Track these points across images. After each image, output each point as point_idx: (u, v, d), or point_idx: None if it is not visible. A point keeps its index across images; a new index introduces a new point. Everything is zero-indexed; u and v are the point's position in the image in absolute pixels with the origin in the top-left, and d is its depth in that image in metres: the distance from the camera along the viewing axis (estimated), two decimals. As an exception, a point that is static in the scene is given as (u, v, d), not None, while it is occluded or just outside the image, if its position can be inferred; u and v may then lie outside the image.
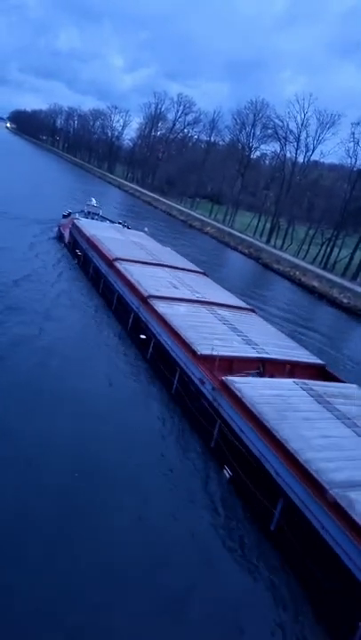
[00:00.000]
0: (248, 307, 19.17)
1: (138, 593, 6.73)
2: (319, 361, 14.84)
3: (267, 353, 13.68)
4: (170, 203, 77.25)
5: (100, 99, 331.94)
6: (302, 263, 56.28)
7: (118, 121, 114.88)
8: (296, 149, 65.01)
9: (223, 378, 10.87)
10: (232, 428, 9.94)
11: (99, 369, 13.04)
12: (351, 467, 8.34)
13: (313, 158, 65.98)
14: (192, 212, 73.12)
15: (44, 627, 5.83)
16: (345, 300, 41.03)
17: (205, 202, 79.05)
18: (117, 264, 18.90)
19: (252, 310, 18.85)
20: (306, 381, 12.16)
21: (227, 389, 10.41)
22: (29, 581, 6.34)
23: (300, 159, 65.84)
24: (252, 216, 71.48)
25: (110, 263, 19.29)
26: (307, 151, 65.14)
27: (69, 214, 30.06)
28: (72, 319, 16.59)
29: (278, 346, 14.83)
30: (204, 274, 23.64)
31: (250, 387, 10.61)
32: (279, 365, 13.36)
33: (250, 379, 11.66)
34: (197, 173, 75.43)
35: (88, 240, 22.56)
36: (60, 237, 28.16)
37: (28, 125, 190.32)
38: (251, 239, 64.63)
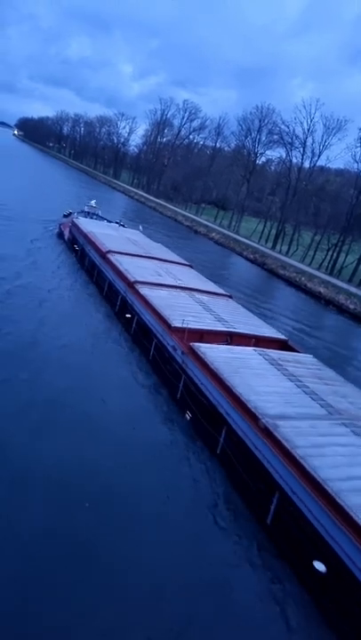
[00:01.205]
0: (226, 293, 20.96)
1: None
2: (282, 336, 16.58)
3: (234, 328, 15.26)
4: (175, 208, 77.90)
5: (109, 106, 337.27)
6: (308, 269, 56.09)
7: (124, 127, 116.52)
8: (302, 155, 65.40)
9: (191, 344, 12.40)
10: (194, 382, 11.86)
11: (87, 339, 15.02)
12: (284, 405, 10.20)
13: (319, 163, 66.32)
14: (197, 218, 73.65)
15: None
16: (352, 307, 40.94)
17: (211, 208, 79.60)
18: (109, 256, 20.56)
19: (229, 296, 20.57)
20: (265, 350, 13.59)
21: (193, 353, 12.01)
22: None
23: (306, 164, 66.24)
24: (258, 222, 71.83)
25: (103, 255, 20.95)
26: (313, 156, 65.49)
27: (70, 214, 31.66)
28: (68, 299, 18.82)
29: (247, 323, 16.54)
30: (190, 266, 25.41)
31: (213, 350, 12.22)
32: (245, 338, 14.88)
33: (214, 345, 13.06)
34: (203, 179, 76.09)
35: (85, 236, 24.31)
36: (60, 234, 30.03)
37: (35, 132, 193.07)
38: (256, 245, 64.75)
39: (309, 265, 58.66)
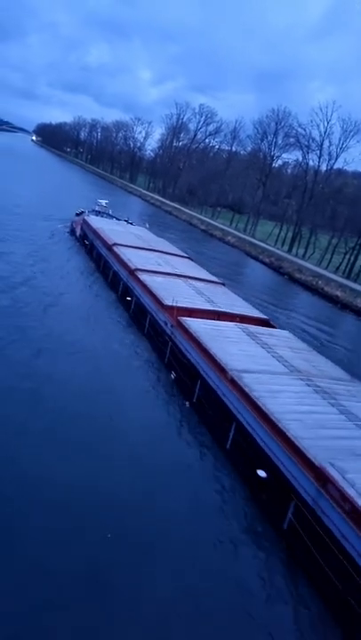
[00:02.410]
0: (219, 281, 24.13)
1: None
2: (264, 316, 19.57)
3: (221, 308, 18.18)
4: (191, 212, 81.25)
5: (127, 112, 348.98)
6: (325, 272, 57.47)
7: (140, 132, 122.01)
8: (319, 157, 67.68)
9: (179, 318, 15.22)
10: (179, 349, 14.86)
11: (92, 317, 18.64)
12: (251, 364, 13.11)
13: (336, 166, 68.37)
14: (213, 222, 76.67)
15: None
16: (369, 310, 42.14)
17: (226, 211, 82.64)
18: (115, 248, 23.98)
19: (223, 284, 23.66)
20: (245, 325, 16.33)
21: (181, 325, 14.91)
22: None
23: (323, 167, 68.45)
24: (274, 225, 74.12)
25: (109, 247, 24.40)
26: (330, 159, 67.66)
27: (81, 213, 35.78)
28: (78, 284, 22.73)
29: (234, 305, 19.56)
30: (190, 258, 28.96)
31: (197, 323, 15.07)
32: (230, 317, 17.67)
33: (200, 319, 15.88)
34: (218, 183, 79.35)
35: (94, 231, 28.03)
36: (72, 231, 34.18)
37: (53, 138, 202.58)
38: (272, 248, 66.81)
39: (326, 268, 60.32)
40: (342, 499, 8.01)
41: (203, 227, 74.19)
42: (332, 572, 7.81)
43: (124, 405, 12.20)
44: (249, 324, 17.15)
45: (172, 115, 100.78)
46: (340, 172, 69.21)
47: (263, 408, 10.33)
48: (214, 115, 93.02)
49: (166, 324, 15.89)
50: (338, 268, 61.11)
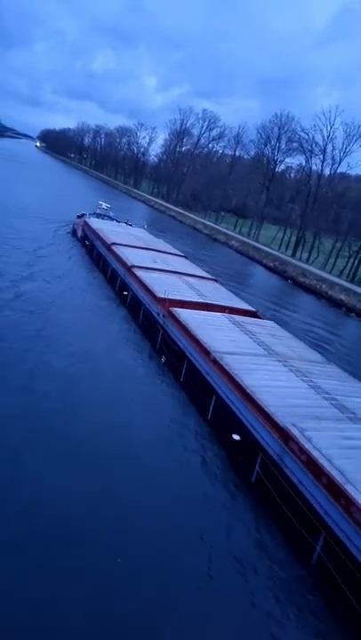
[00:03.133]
0: (212, 277, 26.26)
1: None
2: (252, 308, 21.42)
3: (211, 301, 20.06)
4: (195, 217, 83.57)
5: (131, 118, 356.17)
6: (329, 276, 58.77)
7: (144, 137, 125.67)
8: (322, 162, 69.69)
9: (171, 308, 17.01)
10: (170, 336, 16.64)
11: (92, 309, 20.91)
12: (233, 347, 14.81)
13: (339, 170, 70.26)
14: (217, 226, 78.78)
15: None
16: (374, 314, 43.40)
17: (230, 216, 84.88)
18: (113, 247, 26.11)
19: (215, 280, 25.74)
20: (232, 315, 18.07)
21: (172, 315, 16.76)
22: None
23: (327, 171, 70.38)
24: (278, 229, 76.02)
25: (108, 247, 26.55)
26: (333, 163, 69.62)
27: (83, 215, 38.28)
28: (79, 280, 24.95)
29: (224, 298, 21.52)
30: (185, 257, 31.05)
31: (187, 313, 16.88)
32: (220, 308, 19.55)
33: (190, 310, 17.68)
34: (222, 187, 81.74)
35: (94, 232, 30.34)
36: (74, 233, 36.67)
37: (57, 144, 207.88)
38: (276, 252, 68.45)
39: (330, 272, 61.85)
40: (301, 452, 9.69)
41: (207, 231, 76.29)
42: (290, 512, 9.47)
43: (118, 384, 13.99)
44: (237, 315, 18.97)
45: (175, 120, 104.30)
46: (344, 176, 71.16)
47: (240, 382, 12.07)
48: (217, 120, 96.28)
49: (159, 314, 17.79)
50: (342, 272, 62.71)
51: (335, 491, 8.64)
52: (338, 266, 65.53)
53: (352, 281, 59.77)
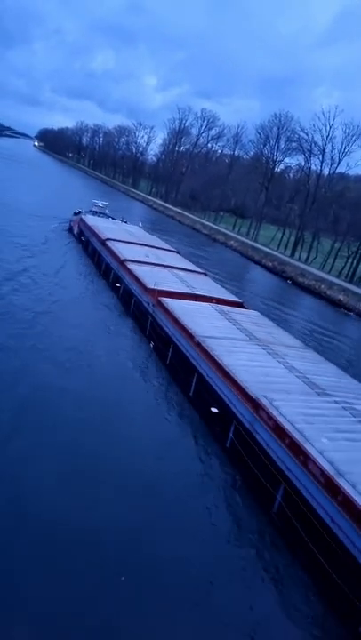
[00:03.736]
0: (201, 271, 28.12)
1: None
2: (238, 299, 23.16)
3: (199, 292, 21.65)
4: (193, 217, 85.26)
5: (130, 117, 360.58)
6: (328, 276, 60.01)
7: (143, 137, 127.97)
8: (321, 162, 71.36)
9: (160, 298, 18.61)
10: (158, 323, 18.24)
11: (87, 299, 22.85)
12: (215, 332, 16.28)
13: (338, 170, 71.89)
14: (215, 226, 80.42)
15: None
16: (372, 314, 44.70)
17: (229, 216, 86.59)
18: (107, 242, 27.93)
19: (204, 274, 27.63)
20: (219, 305, 19.67)
21: (160, 304, 18.39)
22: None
23: (326, 171, 72.03)
24: (277, 229, 77.62)
25: (103, 242, 28.37)
26: (332, 163, 71.28)
27: (79, 212, 39.93)
28: (75, 273, 26.96)
29: (212, 290, 23.23)
30: (177, 252, 32.96)
31: (174, 302, 18.45)
32: (207, 299, 21.19)
33: (178, 300, 19.22)
34: (221, 187, 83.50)
35: (89, 228, 32.24)
36: (70, 230, 38.60)
37: (55, 143, 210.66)
38: (275, 252, 69.83)
39: (329, 272, 63.28)
40: (269, 418, 11.16)
41: (205, 231, 77.89)
42: (258, 471, 10.94)
43: (108, 367, 15.48)
44: (223, 305, 20.53)
45: (174, 119, 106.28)
46: (343, 176, 72.79)
47: (219, 362, 13.56)
48: (216, 119, 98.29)
49: (148, 304, 19.42)
50: (341, 272, 64.17)
51: (296, 449, 10.11)
52: (337, 266, 66.93)
53: (351, 281, 61.10)
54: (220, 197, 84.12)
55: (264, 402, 11.52)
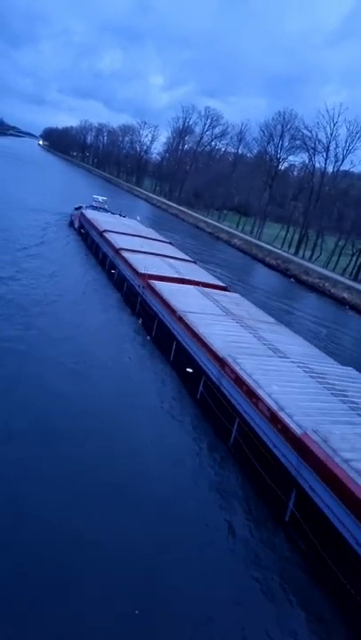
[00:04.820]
0: (192, 259, 31.29)
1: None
2: (223, 284, 26.11)
3: (187, 276, 24.55)
4: (197, 215, 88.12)
5: (136, 117, 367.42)
6: (332, 274, 61.92)
7: (147, 136, 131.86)
8: (325, 160, 73.75)
9: (149, 281, 21.34)
10: (146, 302, 21.02)
11: (84, 282, 25.96)
12: (196, 309, 18.72)
13: (343, 168, 74.18)
14: (219, 224, 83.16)
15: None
16: (377, 311, 46.50)
17: (233, 214, 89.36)
18: (105, 233, 31.02)
19: (194, 262, 30.86)
20: (204, 288, 22.35)
21: (149, 286, 21.06)
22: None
23: (330, 169, 74.39)
24: (280, 227, 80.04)
25: (100, 233, 31.52)
26: (336, 161, 73.59)
27: (80, 207, 43.42)
28: (75, 261, 30.37)
29: (199, 275, 26.23)
30: (170, 243, 36.32)
31: (162, 284, 21.16)
32: (193, 283, 23.94)
33: (165, 282, 21.95)
34: (225, 186, 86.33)
35: (89, 221, 35.60)
36: (71, 224, 42.30)
37: (60, 142, 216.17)
38: (278, 250, 72.14)
39: (333, 270, 65.42)
40: (232, 373, 13.71)
41: (209, 229, 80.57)
42: (220, 413, 13.55)
43: (101, 339, 18.19)
44: (208, 288, 23.18)
45: (178, 118, 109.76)
46: (347, 173, 75.01)
47: (196, 331, 16.14)
48: (220, 117, 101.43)
49: (139, 286, 22.26)
50: (345, 270, 66.34)
51: (250, 393, 12.65)
52: (341, 264, 68.96)
53: (355, 279, 62.94)
54: (224, 195, 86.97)
55: (229, 360, 14.09)
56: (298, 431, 10.74)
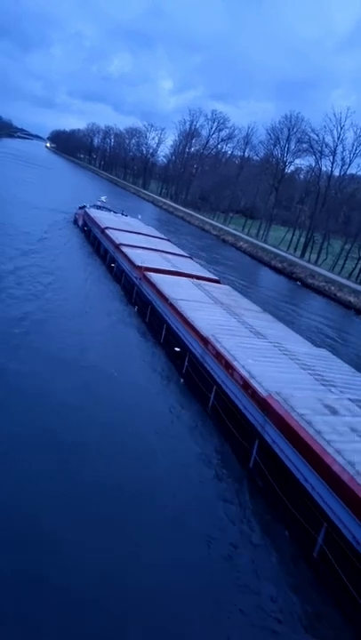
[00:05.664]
0: (188, 255, 33.91)
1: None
2: (215, 277, 28.50)
3: (180, 269, 26.91)
4: (203, 218, 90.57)
5: (144, 120, 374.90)
6: (338, 278, 63.44)
7: (153, 138, 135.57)
8: (332, 163, 75.81)
9: (145, 272, 23.58)
10: (142, 292, 23.39)
11: (85, 277, 28.29)
12: (187, 297, 20.83)
13: (350, 171, 76.18)
14: (225, 227, 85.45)
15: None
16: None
17: (239, 217, 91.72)
18: (106, 230, 33.73)
19: (190, 257, 33.33)
20: (196, 280, 24.77)
21: (145, 277, 23.30)
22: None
23: (336, 173, 76.40)
24: (286, 230, 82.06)
25: (102, 230, 34.29)
26: (343, 164, 75.59)
27: (83, 207, 46.76)
28: (77, 256, 33.39)
29: (194, 269, 28.61)
30: (168, 240, 39.06)
31: (157, 276, 23.34)
32: (187, 276, 26.21)
33: (160, 274, 24.08)
34: (231, 188, 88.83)
35: (91, 219, 38.56)
36: (75, 222, 45.68)
37: (67, 144, 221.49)
38: (284, 254, 74.01)
39: (339, 274, 67.14)
40: (213, 349, 15.76)
41: (215, 232, 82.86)
42: (201, 384, 15.63)
43: (99, 321, 20.43)
44: (201, 280, 25.38)
45: (184, 121, 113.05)
46: (354, 177, 77.01)
47: (184, 315, 18.23)
48: (227, 120, 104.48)
49: (136, 278, 24.62)
50: (351, 274, 68.06)
51: (227, 365, 14.69)
52: (347, 268, 70.51)
53: (361, 283, 64.52)
54: (230, 198, 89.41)
55: (211, 339, 16.16)
56: (264, 394, 12.76)
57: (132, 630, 7.59)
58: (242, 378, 13.82)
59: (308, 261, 72.04)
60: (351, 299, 54.19)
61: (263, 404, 12.56)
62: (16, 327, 17.14)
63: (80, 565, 8.35)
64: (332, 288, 57.39)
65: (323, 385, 14.15)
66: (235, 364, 14.44)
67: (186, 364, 17.09)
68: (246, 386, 13.51)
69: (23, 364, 14.91)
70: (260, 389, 13.01)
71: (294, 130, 79.40)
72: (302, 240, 77.90)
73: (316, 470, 10.27)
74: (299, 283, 60.70)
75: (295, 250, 78.53)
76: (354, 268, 69.26)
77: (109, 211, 48.17)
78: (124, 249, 28.26)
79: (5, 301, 19.66)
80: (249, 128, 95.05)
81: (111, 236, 31.55)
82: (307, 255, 76.05)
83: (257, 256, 71.43)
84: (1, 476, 9.96)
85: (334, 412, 12.24)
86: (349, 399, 13.17)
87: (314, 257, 74.71)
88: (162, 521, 10.08)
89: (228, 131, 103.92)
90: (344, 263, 71.15)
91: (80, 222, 43.35)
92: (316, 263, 71.98)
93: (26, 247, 29.39)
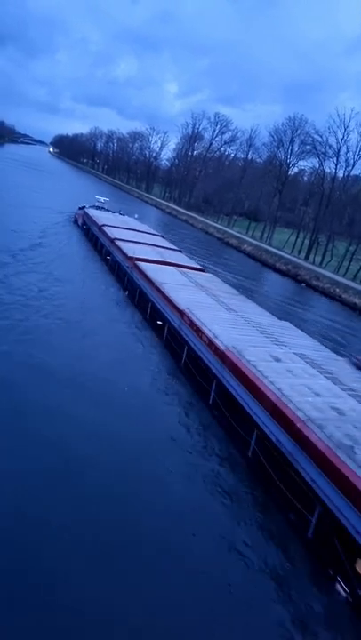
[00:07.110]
0: (178, 249, 38.55)
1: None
2: (201, 267, 32.66)
3: (169, 260, 31.00)
4: (206, 221, 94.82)
5: (148, 123, 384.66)
6: (343, 280, 66.08)
7: (156, 142, 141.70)
8: (336, 164, 79.40)
9: (135, 262, 27.63)
10: (132, 278, 27.60)
11: (83, 268, 32.97)
12: (172, 281, 24.79)
13: (354, 173, 79.84)
14: (229, 230, 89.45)
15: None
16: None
17: (242, 219, 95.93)
18: (103, 227, 38.39)
19: (180, 251, 37.96)
20: (183, 269, 28.66)
21: (136, 266, 27.29)
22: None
23: (340, 174, 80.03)
24: (291, 233, 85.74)
25: (100, 227, 39.02)
26: (347, 166, 79.21)
27: (83, 207, 51.89)
28: (77, 250, 38.28)
29: (182, 260, 32.78)
30: (162, 236, 44.16)
31: (146, 264, 27.35)
32: (175, 265, 30.21)
33: (149, 264, 28.04)
34: (234, 191, 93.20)
35: (90, 218, 43.59)
36: (75, 221, 51.03)
37: (70, 149, 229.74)
38: (289, 256, 77.28)
39: (344, 275, 70.26)
40: (188, 319, 19.60)
41: (219, 235, 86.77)
42: (177, 348, 19.53)
43: (95, 303, 24.76)
44: (187, 269, 29.36)
45: (187, 124, 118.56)
46: (358, 178, 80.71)
47: (166, 295, 22.14)
48: (229, 123, 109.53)
49: (128, 267, 28.85)
50: (356, 276, 71.27)
51: (198, 330, 18.51)
52: (352, 269, 73.64)
53: (366, 284, 67.47)
54: (234, 201, 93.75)
55: (187, 311, 20.04)
56: (223, 348, 16.57)
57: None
58: (208, 338, 17.65)
59: (313, 263, 75.15)
60: (356, 300, 56.49)
61: (221, 356, 16.37)
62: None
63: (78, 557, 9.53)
64: (338, 290, 59.58)
65: (275, 345, 17.89)
66: (203, 328, 18.28)
67: (165, 333, 21.14)
68: (210, 344, 17.32)
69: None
70: (221, 345, 16.80)
71: (298, 132, 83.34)
72: (307, 242, 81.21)
73: (256, 398, 14.01)
74: (304, 285, 63.49)
75: (300, 252, 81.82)
76: (359, 270, 72.23)
77: (107, 211, 52.97)
78: (119, 243, 32.52)
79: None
80: (252, 130, 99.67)
81: (107, 231, 36.04)
82: (311, 257, 79.30)
83: (261, 259, 74.66)
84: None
85: (278, 360, 16.00)
86: (294, 353, 16.92)
87: (318, 259, 77.95)
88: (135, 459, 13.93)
89: (230, 133, 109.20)
90: (349, 265, 74.26)
91: (80, 221, 48.48)
92: (320, 265, 75.11)
93: (26, 245, 33.81)
